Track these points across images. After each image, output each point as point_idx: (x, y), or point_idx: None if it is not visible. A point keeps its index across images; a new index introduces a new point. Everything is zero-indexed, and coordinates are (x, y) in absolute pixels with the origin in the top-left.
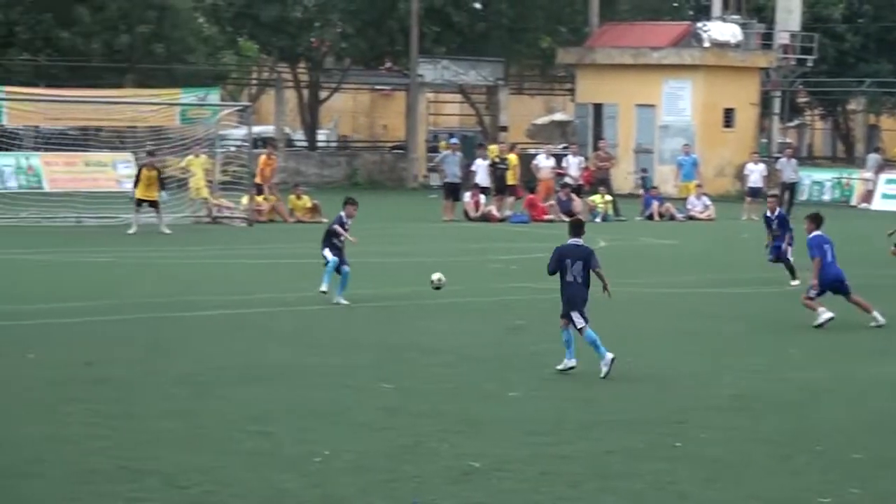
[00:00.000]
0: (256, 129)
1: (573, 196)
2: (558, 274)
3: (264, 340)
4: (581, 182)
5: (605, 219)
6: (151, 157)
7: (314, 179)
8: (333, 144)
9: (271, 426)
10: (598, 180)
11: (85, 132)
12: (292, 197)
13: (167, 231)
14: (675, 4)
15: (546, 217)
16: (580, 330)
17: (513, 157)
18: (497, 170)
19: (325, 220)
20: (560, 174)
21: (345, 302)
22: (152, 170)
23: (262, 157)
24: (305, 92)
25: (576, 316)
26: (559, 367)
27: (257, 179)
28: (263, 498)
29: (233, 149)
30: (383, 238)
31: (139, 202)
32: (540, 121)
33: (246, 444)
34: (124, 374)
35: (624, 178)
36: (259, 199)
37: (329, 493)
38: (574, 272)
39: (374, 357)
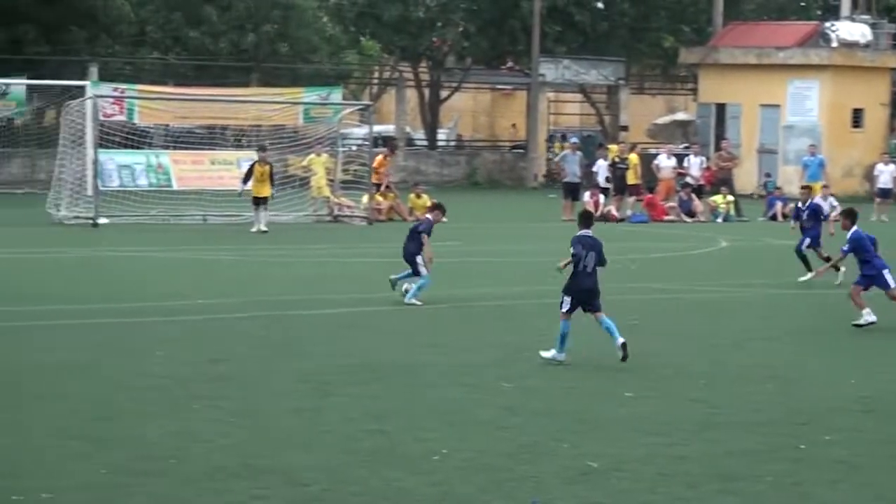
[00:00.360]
0: (377, 128)
1: (693, 196)
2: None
3: (384, 339)
4: (702, 182)
5: (726, 219)
6: (263, 151)
7: (434, 178)
8: (453, 144)
9: (390, 424)
10: (719, 180)
11: (211, 131)
12: (412, 196)
13: (264, 229)
14: (803, 4)
15: (666, 217)
16: (597, 318)
17: (633, 157)
18: (617, 169)
19: (444, 219)
20: (681, 174)
21: (417, 303)
22: (265, 165)
23: (378, 157)
24: (426, 91)
25: (600, 303)
26: (546, 354)
27: (373, 179)
28: (382, 496)
29: (354, 148)
30: (501, 237)
31: (256, 200)
32: (661, 120)
33: (365, 442)
34: (248, 372)
35: (746, 177)
36: (378, 197)
37: (447, 492)
38: (587, 262)
39: (493, 356)
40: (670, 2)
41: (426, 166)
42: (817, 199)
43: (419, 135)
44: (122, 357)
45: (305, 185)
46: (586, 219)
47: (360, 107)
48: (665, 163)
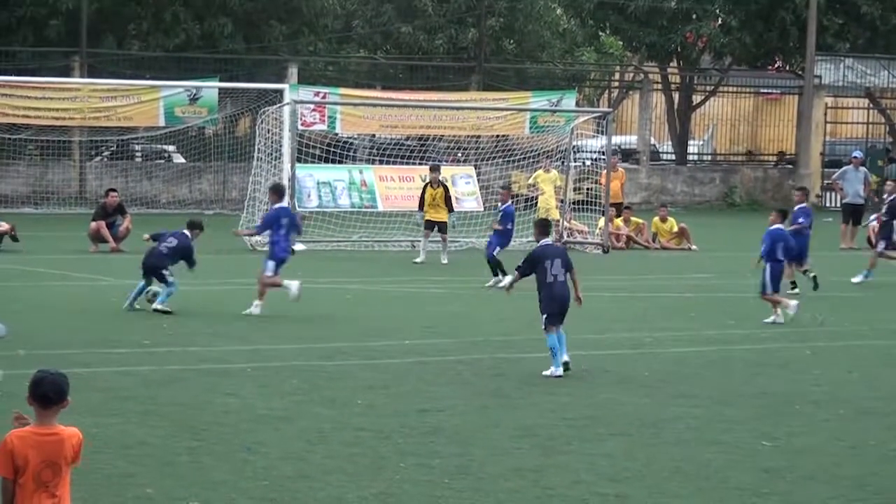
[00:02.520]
0: (617, 139)
1: None
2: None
3: (622, 387)
4: None
5: None
6: (436, 172)
7: (683, 198)
8: (707, 157)
9: (629, 487)
10: None
11: (423, 142)
12: (656, 220)
13: (445, 261)
14: None
15: None
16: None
17: None
18: None
19: (693, 247)
20: None
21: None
22: (437, 187)
23: (602, 172)
24: (676, 96)
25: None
26: (546, 373)
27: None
28: None
29: (588, 162)
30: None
31: (429, 224)
32: None
33: None
34: (462, 425)
35: None
36: (618, 221)
37: None
38: (555, 271)
39: (754, 409)
40: None
41: (674, 184)
42: None
43: (667, 147)
44: (318, 406)
45: (531, 205)
46: (543, 227)
47: (598, 114)
48: None
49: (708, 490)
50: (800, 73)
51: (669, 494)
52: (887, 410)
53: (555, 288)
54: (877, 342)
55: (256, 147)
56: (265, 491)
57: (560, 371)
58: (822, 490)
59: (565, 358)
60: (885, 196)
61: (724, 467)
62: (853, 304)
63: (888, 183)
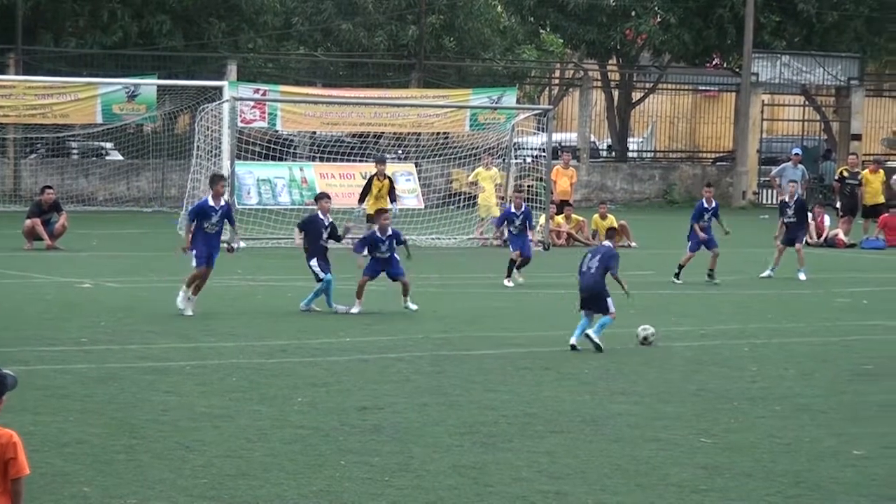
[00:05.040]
0: (557, 136)
1: None
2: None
3: (560, 384)
4: None
5: None
6: (382, 164)
7: (622, 196)
8: (647, 155)
9: (568, 485)
10: None
11: (363, 139)
12: (596, 217)
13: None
14: None
15: None
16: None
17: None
18: (846, 185)
19: (633, 244)
20: None
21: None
22: (383, 179)
23: (556, 168)
24: (616, 93)
25: (610, 302)
26: (572, 341)
27: (553, 196)
28: None
29: (529, 160)
30: (702, 265)
31: (370, 218)
32: None
33: None
34: (403, 422)
35: None
36: (559, 218)
37: None
38: (590, 264)
39: (692, 406)
40: None
41: (613, 181)
42: None
43: (605, 144)
44: (258, 404)
45: (472, 203)
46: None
47: (538, 111)
48: None
49: (647, 487)
50: (737, 70)
51: (609, 491)
52: (822, 407)
53: (585, 278)
54: (812, 339)
55: (196, 144)
56: (204, 489)
57: (572, 340)
58: (760, 486)
59: (573, 341)
60: (786, 198)
61: (663, 464)
62: (789, 301)
63: (790, 184)
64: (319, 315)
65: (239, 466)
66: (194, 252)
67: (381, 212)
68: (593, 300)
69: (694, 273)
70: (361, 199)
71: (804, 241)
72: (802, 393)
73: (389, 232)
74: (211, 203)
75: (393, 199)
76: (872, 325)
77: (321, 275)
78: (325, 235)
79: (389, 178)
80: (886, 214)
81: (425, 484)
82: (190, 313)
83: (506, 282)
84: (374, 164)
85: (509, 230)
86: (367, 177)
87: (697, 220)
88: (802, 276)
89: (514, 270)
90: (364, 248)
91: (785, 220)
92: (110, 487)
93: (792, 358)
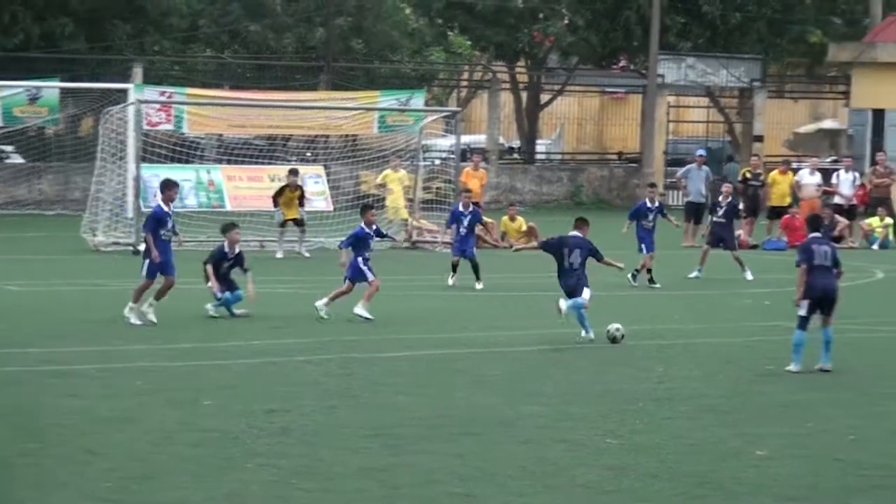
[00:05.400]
0: (466, 138)
1: (838, 218)
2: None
3: (471, 387)
4: (855, 202)
5: (884, 245)
6: (294, 176)
7: (531, 197)
8: (556, 157)
9: (478, 487)
10: (875, 200)
11: (271, 142)
12: (505, 218)
13: (306, 255)
14: None
15: None
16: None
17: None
18: (749, 187)
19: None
20: (828, 192)
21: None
22: (295, 190)
23: (466, 170)
24: (524, 95)
25: (586, 292)
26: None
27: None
28: None
29: (437, 162)
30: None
31: (284, 223)
32: (804, 129)
33: None
34: (311, 425)
35: None
36: None
37: None
38: (572, 259)
39: (599, 407)
40: None
41: (522, 183)
42: None
43: (513, 145)
44: (164, 407)
45: (380, 205)
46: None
47: (446, 113)
48: (808, 179)
49: (555, 488)
50: (643, 72)
51: (517, 493)
52: (727, 408)
53: (566, 277)
54: (717, 340)
55: (100, 147)
56: (108, 492)
57: (591, 335)
58: (665, 487)
59: (583, 331)
60: (719, 199)
61: (570, 465)
62: (694, 302)
63: (725, 185)
64: (227, 319)
65: (144, 469)
66: (147, 262)
67: (367, 208)
68: (578, 291)
69: (616, 275)
70: (276, 203)
71: (736, 246)
72: (707, 393)
73: (375, 227)
74: (165, 209)
75: (301, 206)
76: (774, 326)
77: (219, 294)
78: (225, 266)
79: (301, 188)
80: (787, 216)
81: (333, 486)
82: (154, 319)
83: (450, 280)
84: (286, 174)
85: (458, 230)
86: (278, 181)
87: (636, 219)
88: (749, 276)
89: (476, 280)
90: (349, 244)
91: (714, 219)
92: (11, 491)
93: (697, 359)
